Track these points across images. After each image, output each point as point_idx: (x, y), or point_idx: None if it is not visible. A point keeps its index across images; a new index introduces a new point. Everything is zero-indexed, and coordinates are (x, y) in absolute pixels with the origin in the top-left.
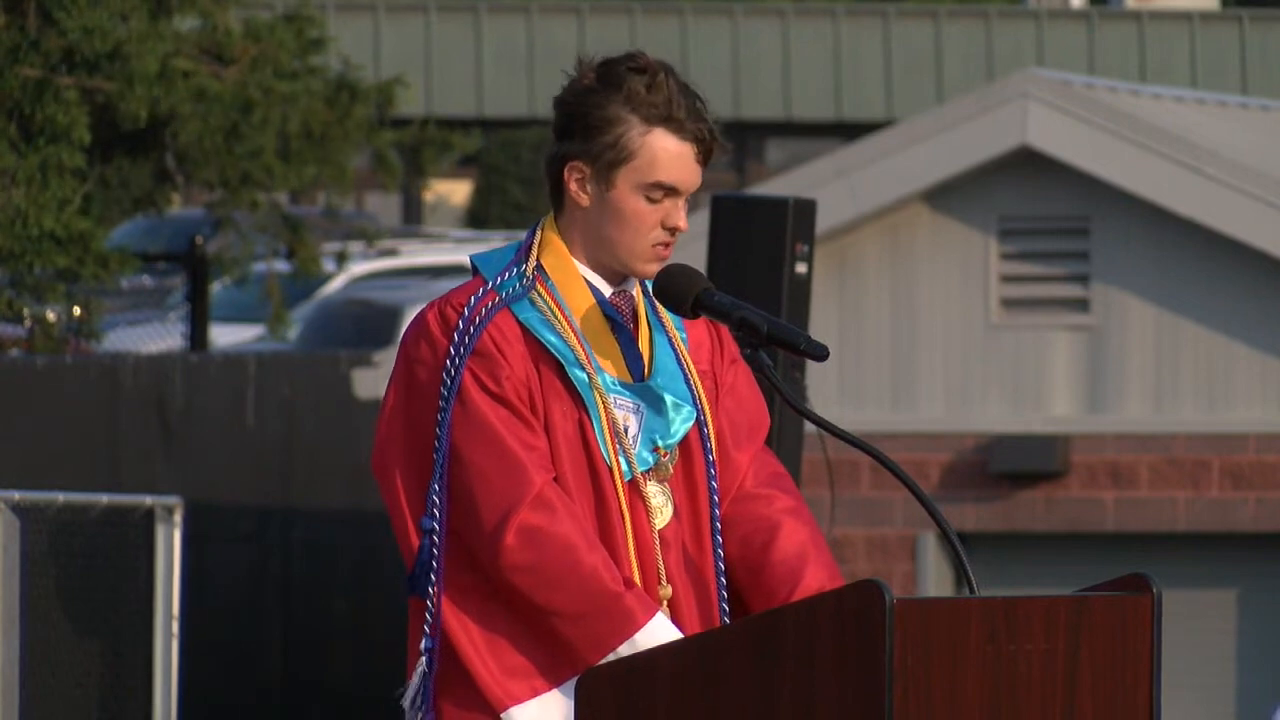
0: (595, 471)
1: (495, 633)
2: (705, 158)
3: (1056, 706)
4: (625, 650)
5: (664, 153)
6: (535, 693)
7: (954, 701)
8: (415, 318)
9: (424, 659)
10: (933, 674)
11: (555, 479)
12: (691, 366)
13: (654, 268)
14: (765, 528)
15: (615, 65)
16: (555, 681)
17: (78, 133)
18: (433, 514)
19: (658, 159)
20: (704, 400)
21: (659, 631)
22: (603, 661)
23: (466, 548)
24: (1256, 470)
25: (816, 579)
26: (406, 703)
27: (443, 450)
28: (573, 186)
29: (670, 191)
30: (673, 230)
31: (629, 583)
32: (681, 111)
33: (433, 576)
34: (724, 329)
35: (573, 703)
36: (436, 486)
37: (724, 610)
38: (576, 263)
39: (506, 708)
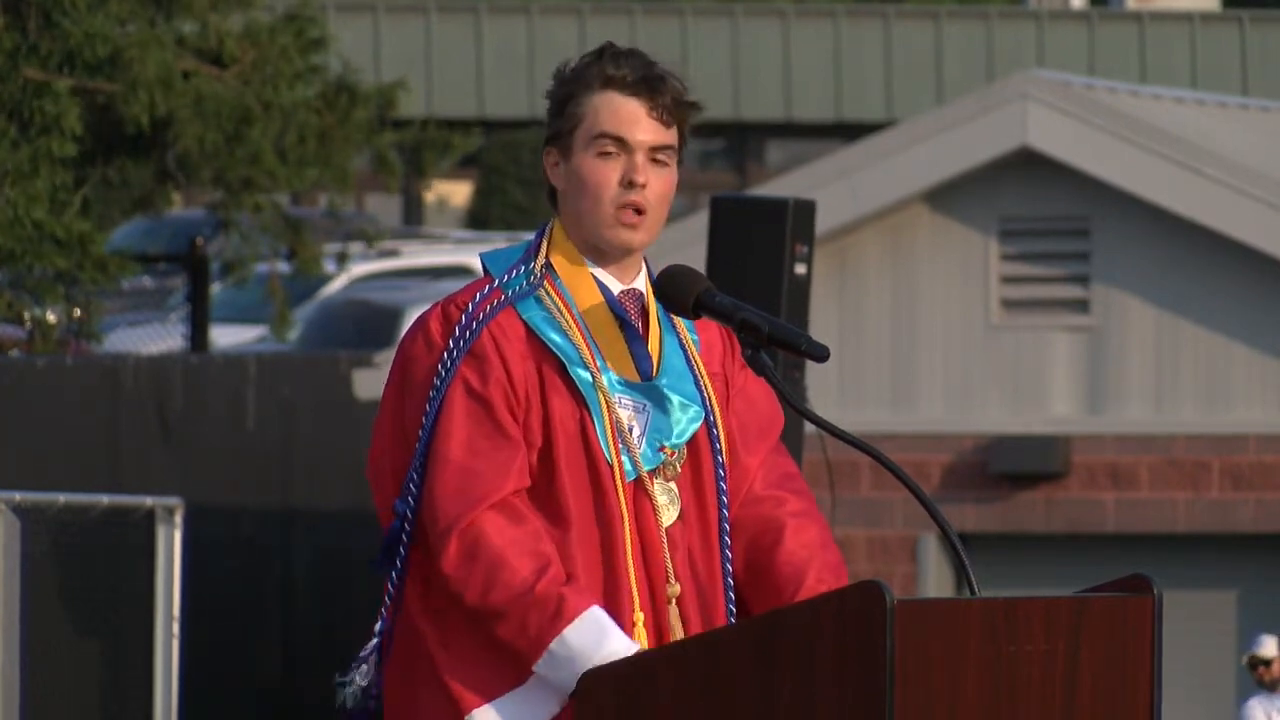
0: (596, 470)
1: (463, 635)
2: (666, 116)
3: (1056, 707)
4: (558, 649)
5: (607, 108)
6: (497, 693)
7: (954, 702)
8: (419, 317)
9: (374, 640)
10: (933, 675)
11: (536, 485)
12: (702, 368)
13: (623, 234)
14: (772, 529)
15: (580, 58)
16: (510, 685)
17: (68, 122)
18: (407, 499)
19: (601, 114)
20: (714, 402)
21: (587, 630)
22: (539, 665)
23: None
24: (1256, 471)
25: (821, 580)
26: (350, 679)
27: (424, 441)
28: (550, 172)
29: (620, 143)
30: (631, 185)
31: (567, 581)
32: (623, 70)
33: (398, 562)
34: None
35: (536, 696)
36: (414, 475)
37: (731, 611)
38: (585, 260)
39: (472, 708)
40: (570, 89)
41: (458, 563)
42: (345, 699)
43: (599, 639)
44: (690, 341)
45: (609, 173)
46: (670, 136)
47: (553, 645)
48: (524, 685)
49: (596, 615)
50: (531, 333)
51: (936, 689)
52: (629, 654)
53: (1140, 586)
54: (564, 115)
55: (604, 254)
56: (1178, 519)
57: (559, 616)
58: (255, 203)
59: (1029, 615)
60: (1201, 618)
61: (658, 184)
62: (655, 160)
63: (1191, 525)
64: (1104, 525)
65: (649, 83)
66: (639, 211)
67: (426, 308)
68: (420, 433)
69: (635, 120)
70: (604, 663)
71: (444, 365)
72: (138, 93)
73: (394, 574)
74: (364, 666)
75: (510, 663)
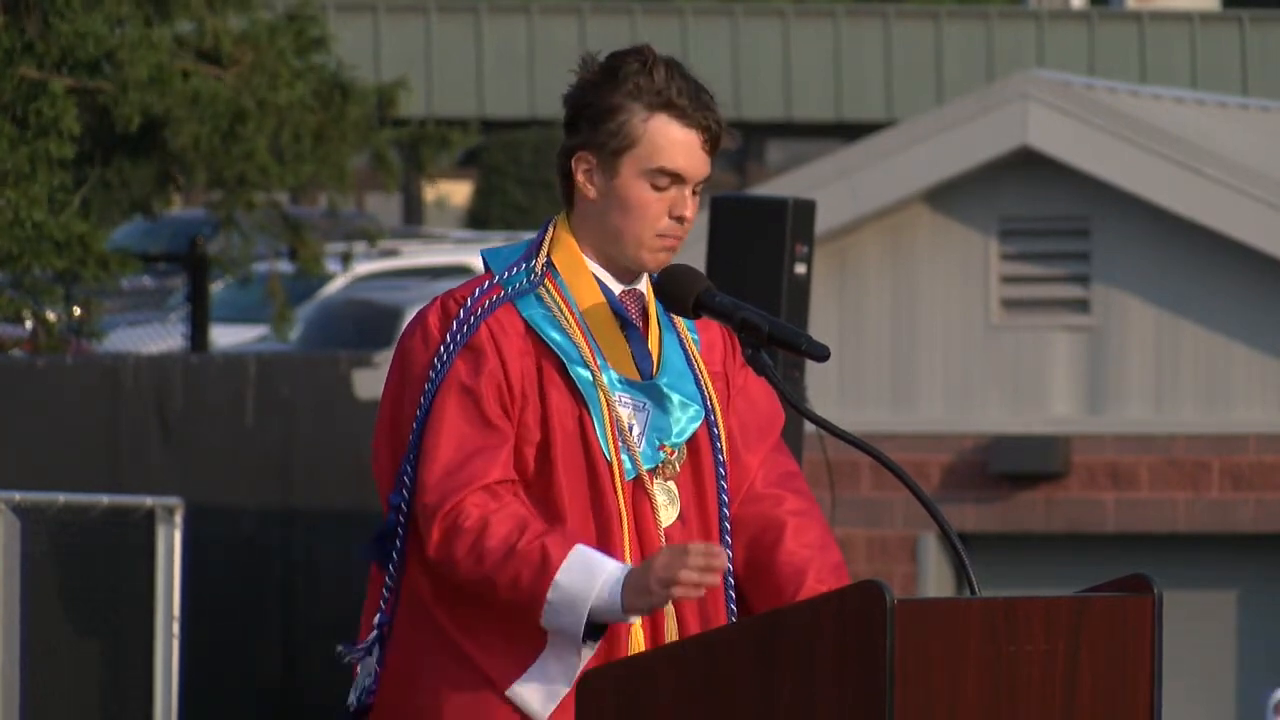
0: (594, 468)
1: (478, 619)
2: (712, 147)
3: (1056, 707)
4: (555, 597)
5: (666, 139)
6: (525, 664)
7: (954, 702)
8: (418, 312)
9: (375, 633)
10: (933, 675)
11: (533, 481)
12: (703, 367)
13: (660, 258)
14: (773, 528)
15: (619, 58)
16: (536, 652)
17: (66, 123)
18: (401, 492)
19: (660, 145)
20: (715, 401)
21: (575, 572)
22: (544, 620)
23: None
24: (1256, 471)
25: (822, 580)
26: (348, 657)
27: (415, 434)
28: (580, 178)
29: (675, 179)
30: (680, 219)
31: (547, 531)
32: (683, 98)
33: (395, 555)
34: None
35: (562, 654)
36: (408, 468)
37: (731, 611)
38: (587, 260)
39: (507, 685)
40: (615, 99)
41: (439, 545)
42: (352, 699)
43: (589, 575)
44: (690, 341)
45: (660, 204)
46: (710, 166)
47: (549, 596)
48: (546, 649)
49: (581, 553)
50: (531, 330)
51: (936, 689)
52: (622, 576)
53: (1140, 586)
54: (608, 128)
55: (617, 263)
56: (1178, 519)
57: (545, 566)
58: (249, 200)
59: (1029, 615)
60: (1201, 618)
61: (693, 213)
62: (693, 190)
63: (1191, 525)
64: (1104, 525)
65: (702, 111)
66: (676, 239)
67: (422, 306)
68: (414, 424)
69: (691, 153)
70: (604, 595)
71: (440, 359)
72: (127, 94)
73: (391, 566)
74: (368, 660)
75: (528, 633)
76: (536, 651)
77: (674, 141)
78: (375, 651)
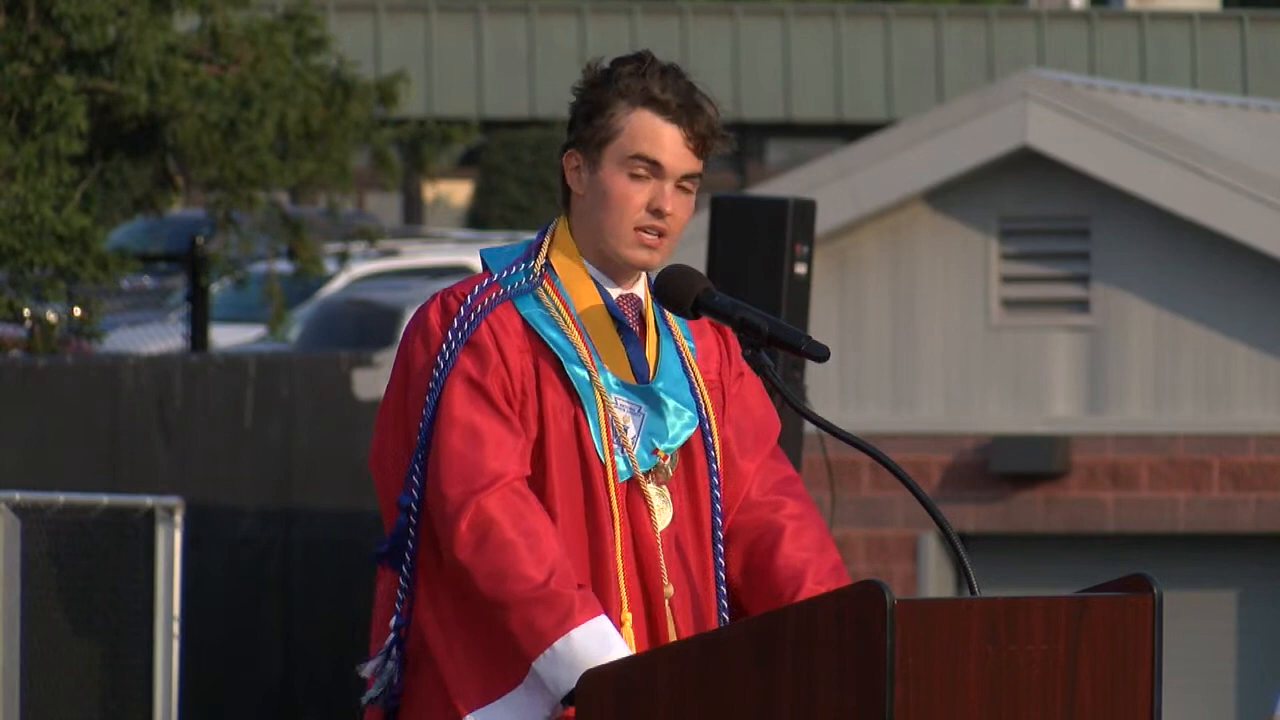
0: (587, 470)
1: (464, 632)
2: (698, 146)
3: (1056, 707)
4: (562, 648)
5: (644, 128)
6: (493, 696)
7: (954, 702)
8: (418, 309)
9: (392, 635)
10: (933, 675)
11: (528, 477)
12: (698, 375)
13: (640, 254)
14: (771, 532)
15: (619, 63)
16: (506, 689)
17: (75, 119)
18: (410, 493)
19: (638, 134)
20: (709, 408)
21: (593, 637)
22: (538, 661)
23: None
24: (1257, 471)
25: (820, 582)
26: (366, 673)
27: (424, 432)
28: (570, 175)
29: (654, 168)
30: (657, 212)
31: (579, 585)
32: (668, 94)
33: (407, 556)
34: (734, 340)
35: (532, 700)
36: (417, 467)
37: (724, 620)
38: (585, 263)
39: (464, 714)
40: (605, 97)
41: (469, 550)
42: (377, 698)
43: (603, 646)
44: (687, 349)
45: (637, 195)
46: (699, 165)
47: (557, 644)
48: (519, 687)
49: (604, 624)
50: (529, 328)
51: (936, 689)
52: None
53: (1140, 586)
54: (595, 124)
55: (611, 263)
56: (1178, 519)
57: (568, 617)
58: (250, 196)
59: (1029, 615)
60: (1202, 618)
61: (680, 210)
62: (680, 186)
63: (1191, 525)
64: (1104, 525)
65: (688, 110)
66: (660, 235)
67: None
68: (421, 424)
69: (671, 146)
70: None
71: (443, 356)
72: (135, 70)
73: (404, 569)
74: (389, 663)
75: (508, 667)
76: (508, 687)
77: (651, 131)
78: (394, 653)
